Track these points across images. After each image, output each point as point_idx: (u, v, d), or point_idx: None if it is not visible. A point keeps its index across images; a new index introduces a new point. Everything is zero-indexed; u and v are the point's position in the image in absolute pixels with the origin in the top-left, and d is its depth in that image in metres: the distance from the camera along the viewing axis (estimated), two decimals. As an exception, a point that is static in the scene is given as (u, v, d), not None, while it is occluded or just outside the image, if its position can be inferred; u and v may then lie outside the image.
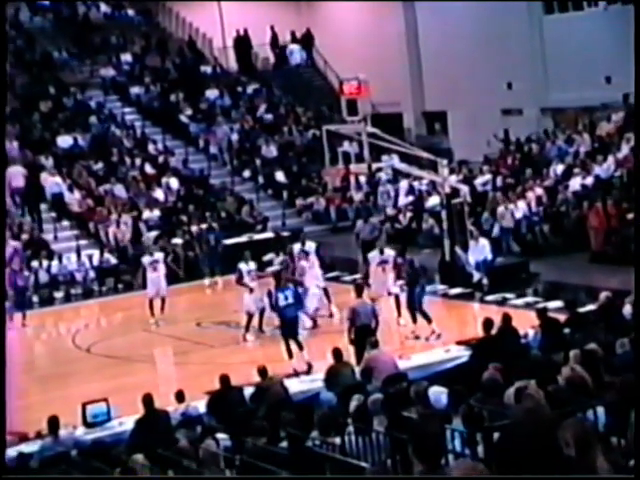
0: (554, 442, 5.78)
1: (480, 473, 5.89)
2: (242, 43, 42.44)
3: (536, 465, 5.64)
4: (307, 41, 42.93)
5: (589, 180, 27.44)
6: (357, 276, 26.17)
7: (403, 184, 32.53)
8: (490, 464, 6.51)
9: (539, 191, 27.99)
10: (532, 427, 5.83)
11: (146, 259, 24.05)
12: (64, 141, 34.99)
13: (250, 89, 40.64)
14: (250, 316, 20.85)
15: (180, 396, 15.05)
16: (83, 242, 30.49)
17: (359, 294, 18.61)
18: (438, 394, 11.58)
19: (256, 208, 33.36)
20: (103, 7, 43.91)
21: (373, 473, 7.81)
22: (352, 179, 30.00)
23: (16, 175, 31.91)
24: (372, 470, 8.09)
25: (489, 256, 23.59)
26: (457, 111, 37.45)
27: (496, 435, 8.14)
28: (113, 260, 29.41)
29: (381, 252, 21.40)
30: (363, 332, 17.33)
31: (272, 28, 42.13)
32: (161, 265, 24.02)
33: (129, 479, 11.31)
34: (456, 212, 24.26)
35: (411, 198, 31.82)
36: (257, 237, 30.31)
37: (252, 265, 21.78)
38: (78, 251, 29.20)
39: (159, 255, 24.60)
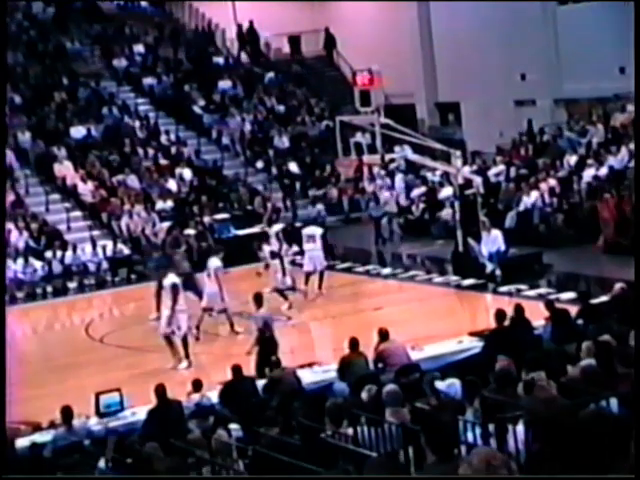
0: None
1: (500, 461, 5.88)
2: (252, 34, 42.44)
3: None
4: (329, 41, 42.91)
5: (603, 171, 27.37)
6: (370, 267, 26.23)
7: (398, 178, 32.69)
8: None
9: (552, 182, 27.94)
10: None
11: (306, 231, 24.58)
12: (77, 132, 35.05)
13: (263, 80, 40.65)
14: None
15: (197, 385, 15.07)
16: (96, 232, 30.57)
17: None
18: (450, 386, 11.59)
19: (269, 199, 33.37)
20: (116, -2, 43.99)
21: (372, 467, 7.70)
22: (365, 170, 30.00)
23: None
24: (372, 463, 7.97)
25: (502, 247, 23.53)
26: (470, 102, 37.34)
27: (519, 429, 8.11)
28: (126, 251, 29.49)
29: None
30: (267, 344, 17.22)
31: (250, 23, 42.01)
32: (318, 239, 24.20)
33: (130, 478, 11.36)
34: (469, 203, 24.21)
35: (423, 189, 31.81)
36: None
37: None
38: (93, 242, 29.29)
39: (317, 230, 24.79)
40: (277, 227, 24.75)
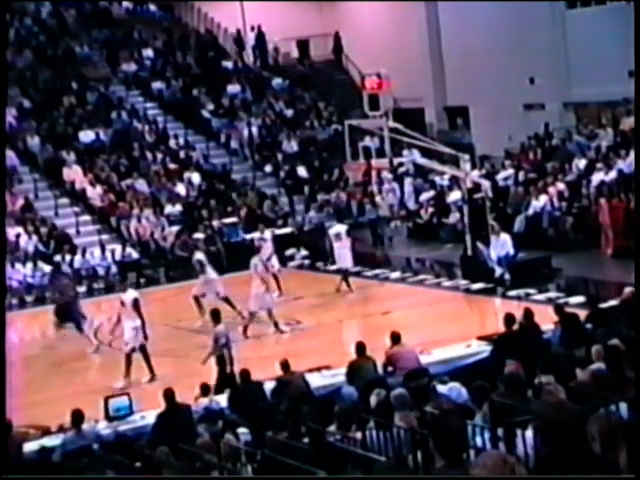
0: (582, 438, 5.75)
1: (511, 465, 5.85)
2: (260, 39, 42.46)
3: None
4: (337, 45, 42.92)
5: (612, 175, 27.31)
6: (378, 271, 26.19)
7: (406, 182, 32.76)
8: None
9: (561, 186, 27.90)
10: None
11: (332, 230, 24.81)
12: (86, 136, 35.13)
13: (271, 84, 40.69)
14: None
15: (205, 389, 15.06)
16: (105, 237, 30.63)
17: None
18: (451, 389, 11.59)
19: (278, 203, 33.38)
20: (125, 2, 44.05)
21: (381, 471, 7.66)
22: (373, 174, 30.02)
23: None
24: (381, 467, 7.94)
25: (511, 251, 23.51)
26: (479, 106, 37.32)
27: (528, 433, 8.09)
28: (135, 255, 29.53)
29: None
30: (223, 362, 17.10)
31: (259, 27, 42.02)
32: (344, 237, 24.41)
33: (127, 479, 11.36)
34: (478, 207, 24.20)
35: (432, 193, 31.81)
36: (278, 232, 30.32)
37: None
38: (102, 246, 29.34)
39: (342, 228, 24.94)
40: (270, 232, 24.97)
